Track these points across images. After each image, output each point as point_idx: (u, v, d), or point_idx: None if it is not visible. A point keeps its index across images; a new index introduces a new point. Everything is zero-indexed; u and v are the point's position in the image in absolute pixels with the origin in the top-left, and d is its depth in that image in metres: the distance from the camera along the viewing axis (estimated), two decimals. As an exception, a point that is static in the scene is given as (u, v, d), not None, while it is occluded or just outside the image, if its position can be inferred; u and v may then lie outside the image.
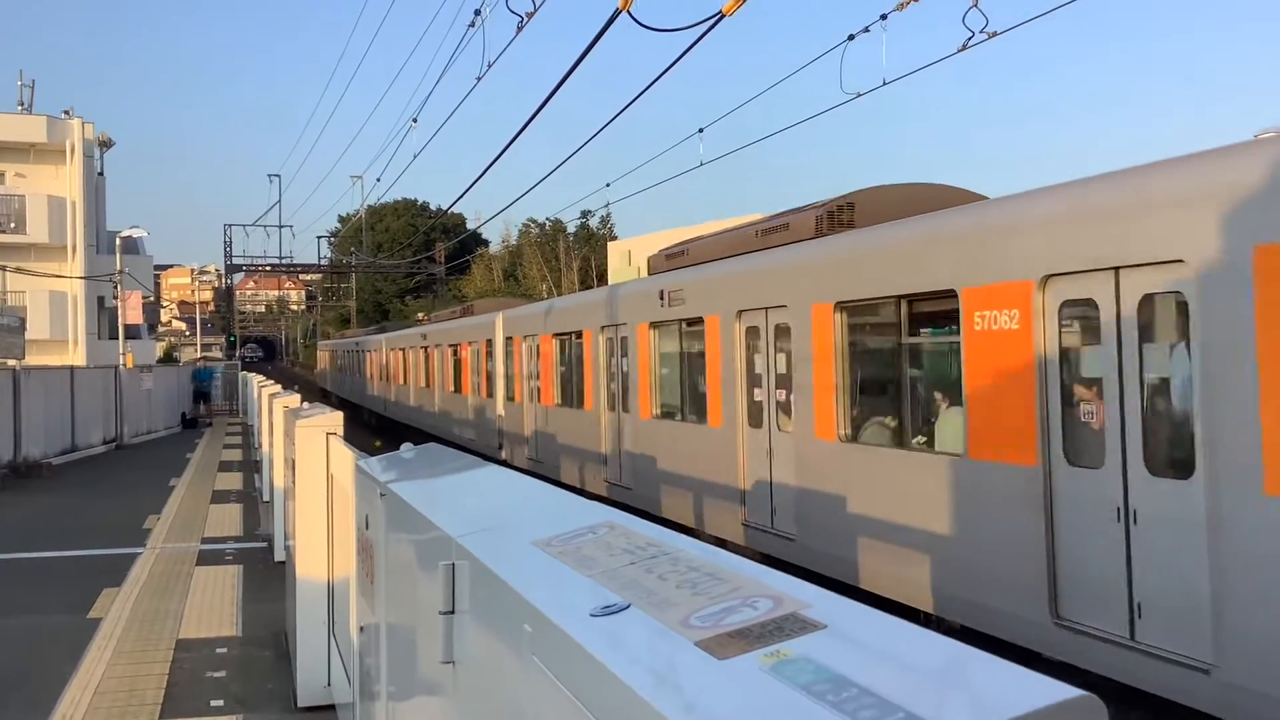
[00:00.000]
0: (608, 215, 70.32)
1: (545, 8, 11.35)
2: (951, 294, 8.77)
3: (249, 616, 10.22)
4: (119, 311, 38.44)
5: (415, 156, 42.49)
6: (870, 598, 9.55)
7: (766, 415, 11.92)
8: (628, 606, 1.72)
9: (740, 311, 12.37)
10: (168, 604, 10.78)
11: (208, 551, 13.83)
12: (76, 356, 41.70)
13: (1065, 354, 7.77)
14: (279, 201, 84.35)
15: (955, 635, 8.37)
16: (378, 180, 55.01)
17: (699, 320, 13.45)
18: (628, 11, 10.01)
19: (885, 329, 10.09)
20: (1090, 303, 7.52)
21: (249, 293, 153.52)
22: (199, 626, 9.85)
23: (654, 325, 14.95)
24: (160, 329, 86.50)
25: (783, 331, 11.55)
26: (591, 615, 1.72)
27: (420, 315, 44.90)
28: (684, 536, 2.17)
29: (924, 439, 9.47)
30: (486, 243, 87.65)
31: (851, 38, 14.17)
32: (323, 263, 75.20)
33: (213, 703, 7.63)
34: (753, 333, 12.24)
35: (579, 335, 18.10)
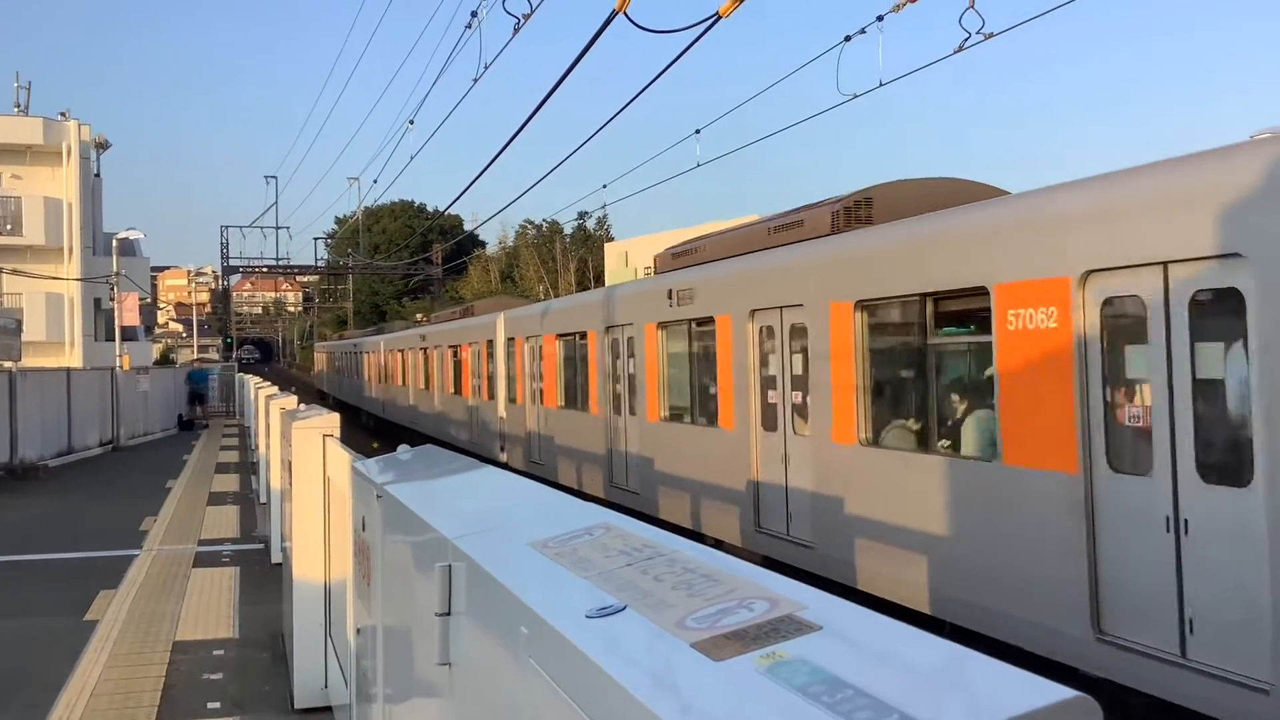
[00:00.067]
0: (605, 216, 70.40)
1: (542, 9, 11.35)
2: (983, 291, 8.34)
3: (246, 618, 10.21)
4: (115, 313, 38.39)
5: (412, 158, 42.55)
6: (894, 608, 9.46)
7: (781, 418, 11.51)
8: (624, 608, 1.72)
9: (753, 311, 11.99)
10: (164, 606, 10.77)
11: (204, 553, 13.82)
12: (73, 358, 41.68)
13: (1108, 354, 7.33)
14: (275, 203, 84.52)
15: (952, 636, 8.34)
16: (374, 182, 55.27)
17: (709, 320, 13.07)
18: (624, 13, 10.02)
19: (909, 328, 9.66)
20: (1136, 299, 7.09)
21: (246, 294, 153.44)
22: (196, 628, 9.84)
23: (662, 325, 14.54)
24: (157, 331, 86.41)
25: (798, 331, 11.16)
26: (587, 617, 1.72)
27: (419, 316, 44.83)
28: (680, 538, 2.16)
29: (951, 443, 9.08)
30: (483, 244, 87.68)
31: (848, 39, 14.18)
32: (320, 264, 75.16)
33: (209, 705, 7.63)
34: (766, 332, 11.87)
35: (583, 336, 17.74)
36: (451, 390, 27.90)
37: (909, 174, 10.79)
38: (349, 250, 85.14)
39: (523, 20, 12.18)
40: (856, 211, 10.99)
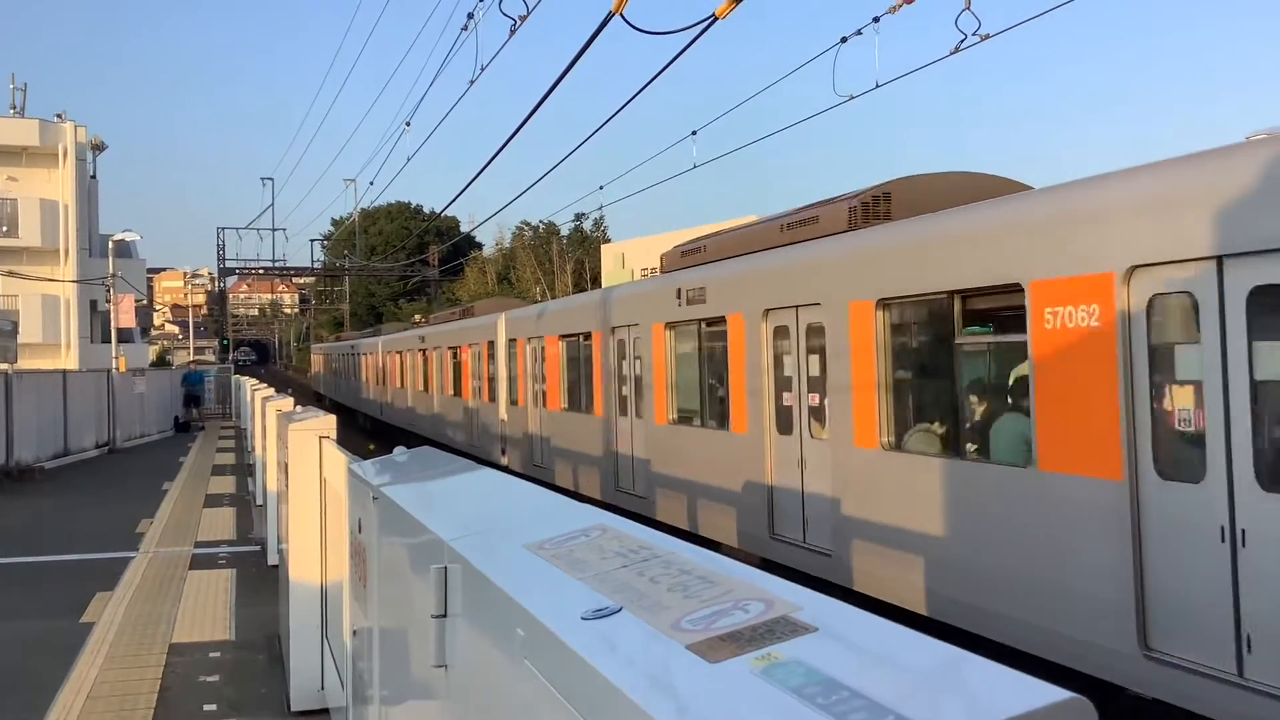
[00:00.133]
0: (601, 218, 70.41)
1: (538, 11, 11.38)
2: (1017, 289, 7.94)
3: (242, 620, 10.20)
4: (111, 315, 38.39)
5: (409, 160, 42.50)
6: (902, 614, 9.41)
7: (797, 421, 11.14)
8: (619, 610, 1.72)
9: (767, 310, 11.61)
10: (161, 608, 10.75)
11: (201, 555, 13.80)
12: (69, 360, 41.65)
13: (1156, 354, 6.91)
14: (272, 204, 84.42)
15: (950, 637, 8.33)
16: (371, 183, 55.37)
17: (720, 320, 12.70)
18: (621, 14, 10.02)
19: (935, 327, 9.27)
20: (1186, 296, 6.69)
21: (242, 296, 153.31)
22: (192, 630, 9.83)
23: (670, 325, 14.18)
24: (153, 332, 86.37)
25: (815, 331, 10.78)
26: (583, 619, 1.72)
27: (417, 317, 44.76)
28: (676, 539, 2.16)
29: (980, 448, 8.68)
30: (480, 246, 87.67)
31: (844, 40, 14.20)
32: (316, 266, 75.09)
33: (206, 707, 7.62)
34: (781, 332, 11.51)
35: (587, 337, 17.41)
36: (451, 392, 27.62)
37: (907, 174, 10.63)
38: (345, 252, 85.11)
39: (519, 22, 12.18)
40: (874, 207, 10.65)
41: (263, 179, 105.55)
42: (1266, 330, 6.31)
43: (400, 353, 35.67)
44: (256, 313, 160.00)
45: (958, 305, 8.73)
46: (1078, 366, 7.36)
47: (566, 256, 69.42)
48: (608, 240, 62.80)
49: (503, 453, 22.29)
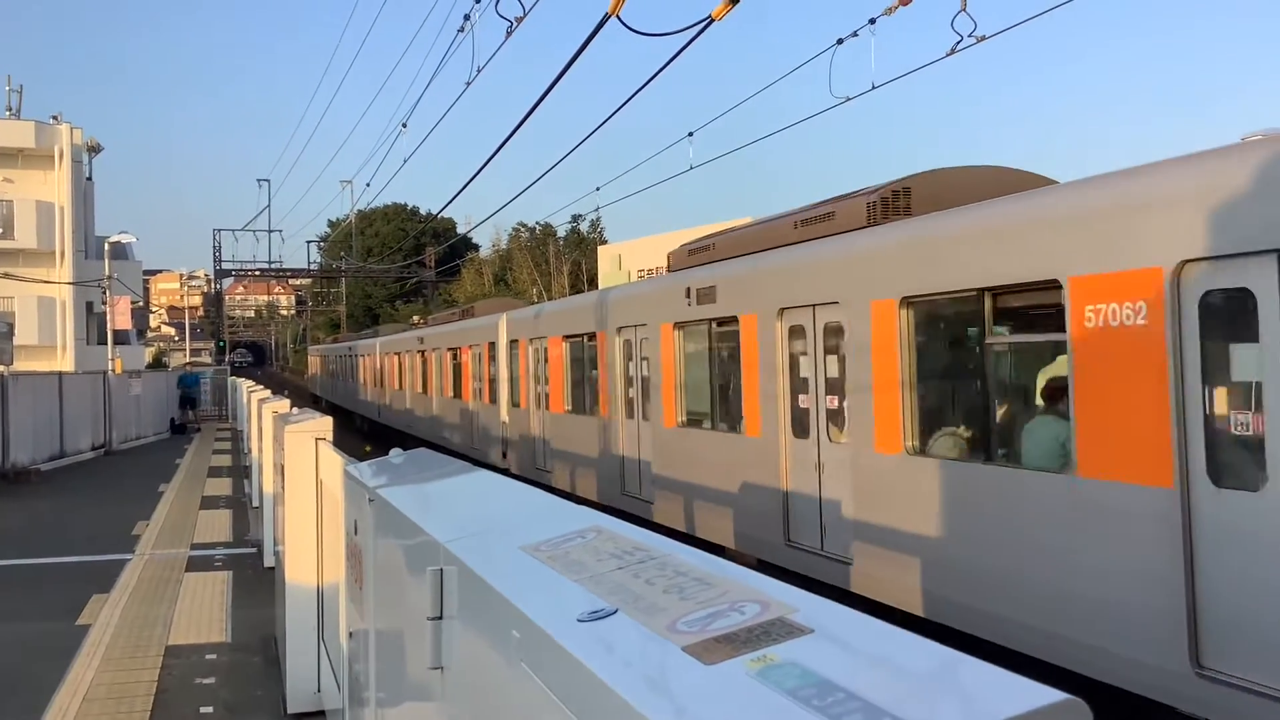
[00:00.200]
0: (598, 219, 70.46)
1: (535, 13, 11.37)
2: (1054, 285, 7.51)
3: (238, 622, 10.19)
4: (108, 317, 38.38)
5: (405, 161, 42.44)
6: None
7: (814, 424, 10.72)
8: (615, 612, 1.72)
9: (782, 310, 11.20)
10: (157, 610, 10.74)
11: (197, 557, 13.79)
12: (65, 362, 41.64)
13: (1209, 354, 6.50)
14: (268, 206, 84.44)
15: (948, 639, 8.30)
16: (367, 185, 55.35)
17: (733, 319, 12.29)
18: (617, 16, 10.02)
19: (963, 327, 8.91)
20: (1243, 292, 6.29)
21: (238, 298, 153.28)
22: (188, 633, 9.82)
23: (679, 325, 13.72)
24: (149, 334, 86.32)
25: (833, 331, 10.38)
26: (579, 621, 1.72)
27: (416, 318, 44.71)
28: (671, 541, 2.16)
29: (1011, 453, 8.25)
30: (477, 247, 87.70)
31: (840, 42, 14.21)
32: (312, 267, 75.10)
33: (202, 709, 7.61)
34: (797, 332, 11.09)
35: (592, 337, 16.99)
36: (451, 394, 27.29)
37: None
38: (342, 253, 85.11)
39: (515, 24, 12.18)
40: (894, 202, 10.26)
41: (259, 180, 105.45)
42: None
43: (399, 354, 35.35)
44: (253, 314, 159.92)
45: (988, 303, 8.31)
46: (1123, 367, 6.96)
47: (563, 258, 69.48)
48: (604, 241, 62.82)
49: (504, 455, 22.01)
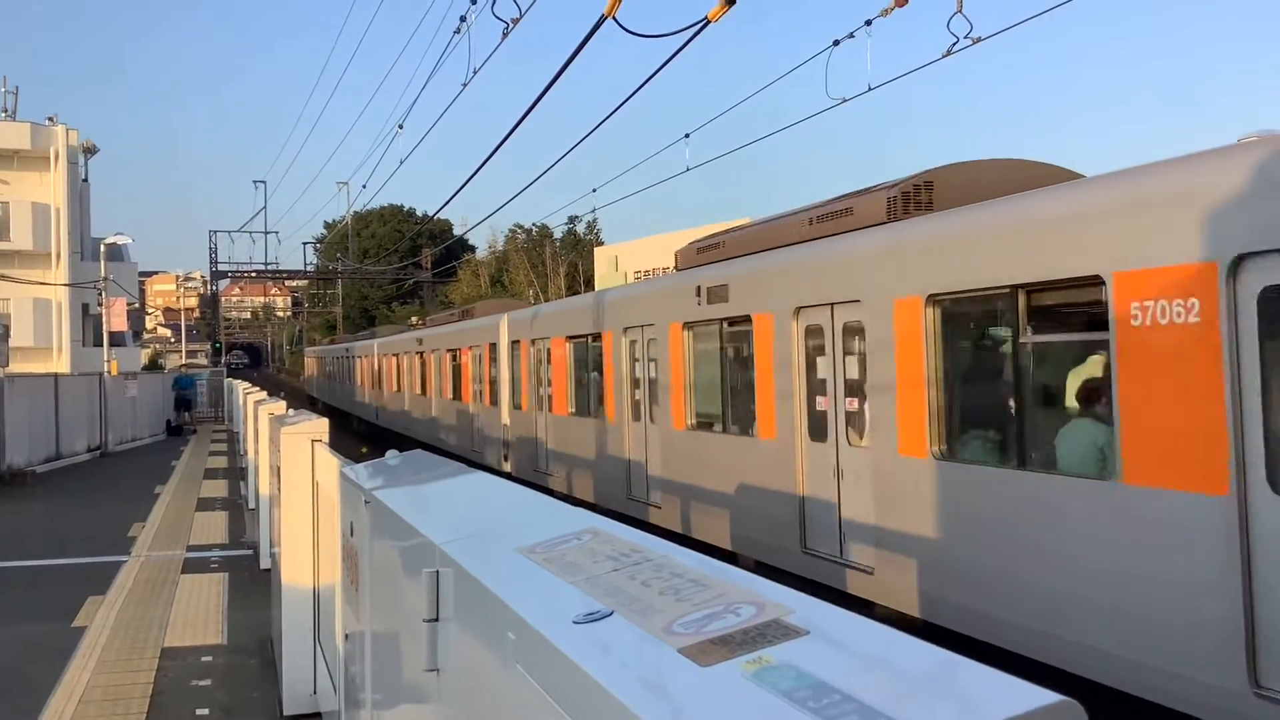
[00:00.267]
0: (595, 221, 70.46)
1: (531, 15, 11.37)
2: (1096, 281, 7.13)
3: (234, 624, 10.17)
4: (103, 318, 38.31)
5: (401, 163, 42.43)
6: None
7: (833, 427, 10.34)
8: (610, 613, 1.72)
9: (798, 309, 10.84)
10: (153, 612, 10.72)
11: (193, 559, 13.77)
12: (61, 364, 41.61)
13: (1268, 354, 6.14)
14: (264, 207, 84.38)
15: (944, 641, 8.26)
16: (364, 186, 55.33)
17: (745, 319, 11.95)
18: (614, 17, 10.02)
19: (995, 325, 8.52)
20: None
21: (234, 299, 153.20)
22: (184, 634, 9.80)
23: (689, 325, 13.38)
24: (145, 336, 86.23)
25: (853, 331, 10.04)
26: (574, 622, 1.72)
27: (414, 319, 44.66)
28: (667, 542, 2.16)
29: (1046, 458, 7.84)
30: (473, 248, 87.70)
31: (837, 43, 14.23)
32: (308, 269, 75.06)
33: (198, 711, 7.60)
34: (814, 332, 10.73)
35: (597, 338, 16.65)
36: (451, 395, 26.98)
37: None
38: (338, 255, 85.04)
39: (511, 25, 12.19)
40: (915, 196, 9.91)
41: (255, 182, 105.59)
42: None
43: (397, 355, 35.06)
44: (249, 316, 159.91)
45: (1022, 300, 7.91)
46: (1172, 368, 6.57)
47: (560, 259, 69.48)
48: (601, 243, 62.83)
49: (505, 458, 21.71)
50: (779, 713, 1.23)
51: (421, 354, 30.76)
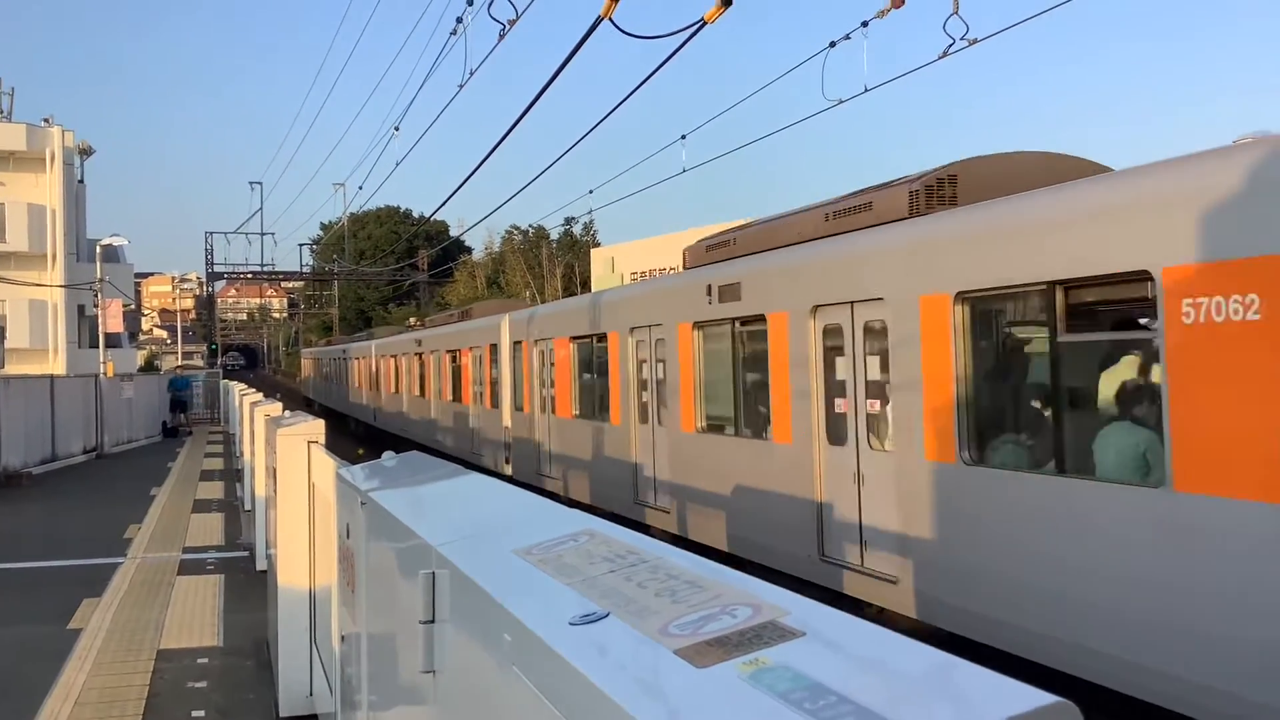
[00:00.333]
0: (591, 222, 70.50)
1: (528, 16, 11.37)
2: (1143, 277, 6.74)
3: (230, 626, 10.16)
4: (99, 320, 38.23)
5: (398, 164, 42.43)
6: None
7: (852, 430, 9.95)
8: (607, 615, 1.72)
9: (816, 307, 10.45)
10: (149, 614, 10.71)
11: (189, 561, 13.76)
12: (57, 365, 41.54)
13: None
14: (260, 209, 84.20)
15: (940, 643, 8.25)
16: (360, 188, 55.32)
17: (759, 318, 11.54)
18: (610, 19, 10.03)
19: (1030, 323, 8.17)
20: None
21: (230, 300, 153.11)
22: (180, 636, 9.79)
23: (699, 325, 12.99)
24: (141, 337, 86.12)
25: (875, 330, 9.65)
26: (570, 624, 1.72)
27: (412, 320, 44.59)
28: (663, 544, 2.16)
29: (1086, 464, 7.44)
30: (470, 250, 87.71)
31: (833, 45, 14.24)
32: (305, 270, 75.03)
33: (194, 713, 7.59)
34: (832, 332, 10.33)
35: (602, 338, 16.26)
36: (450, 397, 26.60)
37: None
38: (334, 256, 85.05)
39: (508, 26, 12.19)
40: (939, 191, 9.56)
41: (251, 183, 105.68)
42: None
43: (395, 356, 34.74)
44: (245, 317, 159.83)
45: (1060, 297, 7.48)
46: (1230, 369, 6.18)
47: (556, 260, 69.50)
48: (598, 244, 62.86)
49: (506, 461, 21.39)
50: (775, 714, 1.23)
51: (420, 355, 30.44)
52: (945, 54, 12.94)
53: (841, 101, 14.80)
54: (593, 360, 16.93)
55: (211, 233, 63.11)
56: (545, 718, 1.67)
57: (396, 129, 24.05)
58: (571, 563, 2.15)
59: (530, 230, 74.39)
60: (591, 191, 40.62)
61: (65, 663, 8.89)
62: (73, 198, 46.00)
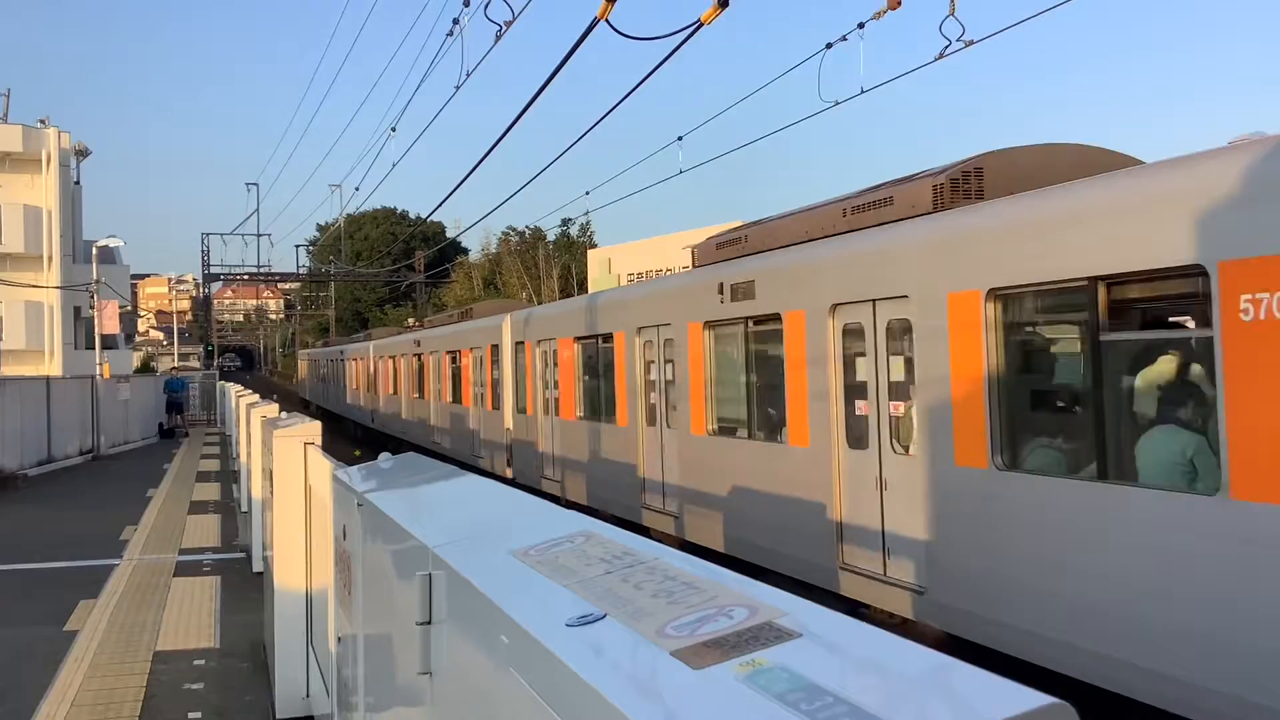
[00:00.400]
0: (588, 223, 70.48)
1: (525, 17, 11.35)
2: (1196, 272, 6.37)
3: (227, 628, 10.15)
4: (95, 321, 38.21)
5: (394, 165, 42.34)
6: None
7: (874, 434, 9.59)
8: (603, 616, 1.72)
9: (835, 305, 10.11)
10: (145, 616, 10.70)
11: (185, 563, 13.74)
12: (53, 367, 41.49)
13: None
14: (257, 210, 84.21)
15: (937, 643, 8.26)
16: (356, 189, 55.26)
17: (774, 317, 11.20)
18: (606, 20, 10.03)
19: (1068, 321, 7.80)
20: None
21: (227, 302, 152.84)
22: (176, 638, 9.78)
23: (710, 325, 12.68)
24: (137, 339, 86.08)
25: (899, 329, 9.28)
26: (567, 625, 1.72)
27: (410, 321, 44.54)
28: (660, 545, 2.16)
29: (1127, 469, 7.08)
30: (466, 251, 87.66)
31: (829, 46, 14.24)
32: (301, 271, 74.88)
33: (190, 715, 7.58)
34: (853, 332, 9.96)
35: (607, 339, 15.97)
36: (450, 399, 26.28)
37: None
38: (331, 257, 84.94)
39: (504, 28, 12.19)
40: (964, 184, 9.24)
41: (247, 184, 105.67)
42: None
43: (393, 357, 34.40)
44: (241, 319, 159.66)
45: (1102, 294, 7.11)
46: None
47: (553, 261, 69.45)
48: (594, 245, 62.87)
49: (508, 464, 21.12)
50: (772, 715, 1.23)
51: (419, 356, 30.12)
52: (942, 55, 12.94)
53: (838, 103, 14.79)
54: (598, 361, 16.66)
55: (208, 234, 62.99)
56: (542, 719, 1.67)
57: (393, 130, 24.03)
58: (568, 564, 2.14)
59: (527, 231, 74.37)
60: (588, 193, 40.63)
61: (61, 665, 8.88)
62: (69, 199, 45.95)
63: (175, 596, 11.63)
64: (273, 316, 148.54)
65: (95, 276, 37.43)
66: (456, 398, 25.70)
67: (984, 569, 8.04)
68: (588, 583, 1.96)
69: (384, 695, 3.49)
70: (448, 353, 26.66)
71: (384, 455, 5.12)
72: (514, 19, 12.02)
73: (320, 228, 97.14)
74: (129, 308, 57.83)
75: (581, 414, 17.31)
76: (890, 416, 9.42)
